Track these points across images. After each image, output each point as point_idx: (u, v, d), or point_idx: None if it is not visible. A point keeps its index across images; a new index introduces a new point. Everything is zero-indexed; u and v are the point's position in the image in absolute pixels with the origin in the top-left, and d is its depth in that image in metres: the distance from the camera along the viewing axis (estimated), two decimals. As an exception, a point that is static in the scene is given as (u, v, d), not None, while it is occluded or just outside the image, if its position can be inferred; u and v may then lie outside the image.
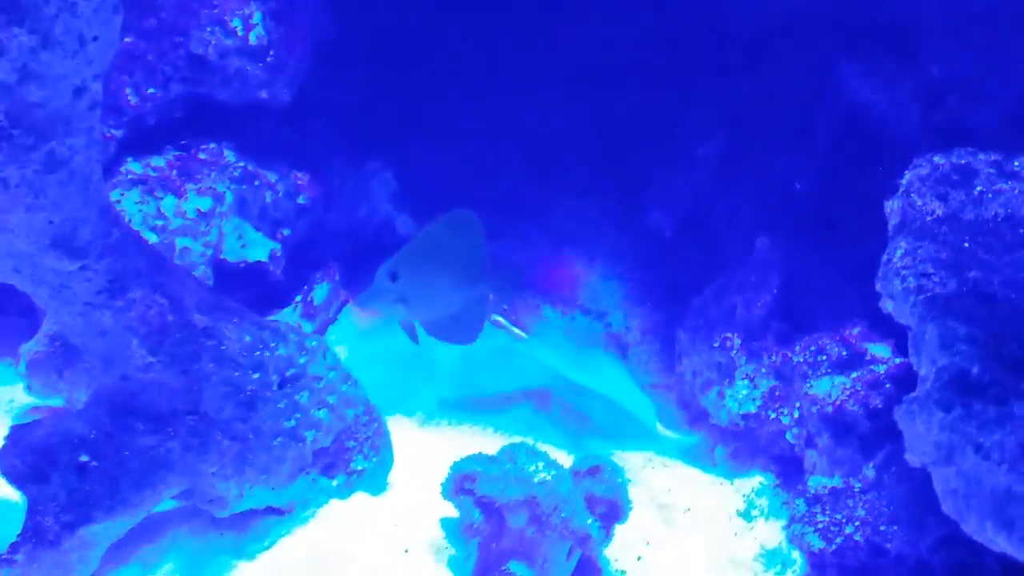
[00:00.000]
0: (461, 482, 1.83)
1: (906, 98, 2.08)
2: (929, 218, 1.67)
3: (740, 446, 2.28)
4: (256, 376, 1.93)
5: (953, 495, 1.37)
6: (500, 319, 2.37)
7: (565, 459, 2.00)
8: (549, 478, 1.84)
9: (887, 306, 1.71)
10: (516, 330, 2.35)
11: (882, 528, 1.73)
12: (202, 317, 1.89)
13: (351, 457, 2.08)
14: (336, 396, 2.04)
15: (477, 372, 2.58)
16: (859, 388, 1.91)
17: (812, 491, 1.87)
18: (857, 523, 1.76)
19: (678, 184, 2.54)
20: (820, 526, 1.80)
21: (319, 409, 2.01)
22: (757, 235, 2.36)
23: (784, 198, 2.40)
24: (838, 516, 1.79)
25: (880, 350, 2.05)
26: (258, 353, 1.94)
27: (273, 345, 1.96)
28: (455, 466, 1.88)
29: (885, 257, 1.75)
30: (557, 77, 2.78)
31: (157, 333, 1.84)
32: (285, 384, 1.97)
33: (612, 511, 1.83)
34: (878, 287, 1.76)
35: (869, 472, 1.82)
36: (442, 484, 1.93)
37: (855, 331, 2.08)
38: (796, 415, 2.06)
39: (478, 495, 1.78)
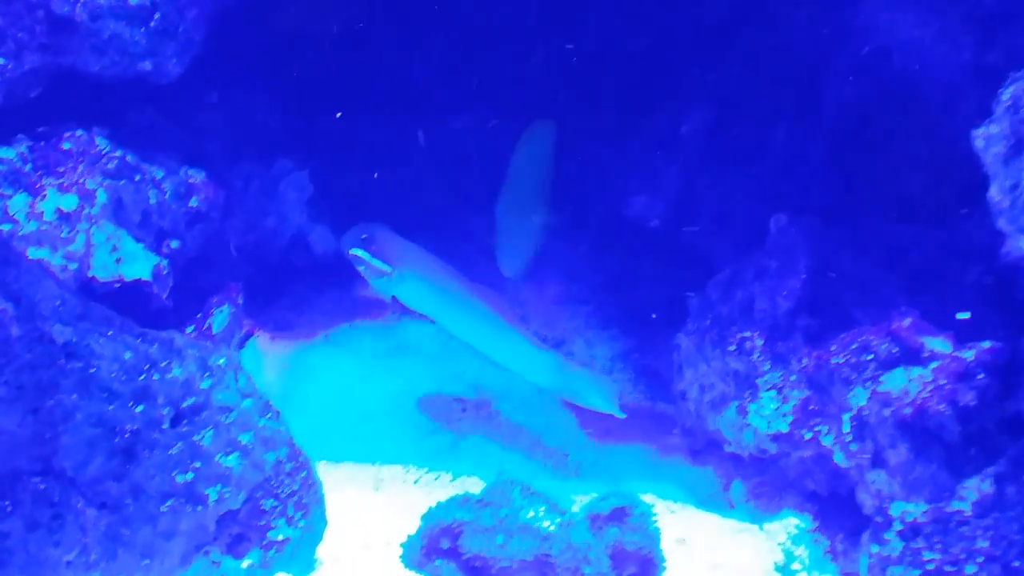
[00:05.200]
0: (437, 539, 1.33)
1: (956, 29, 1.72)
2: (1053, 137, 1.29)
3: (763, 481, 1.83)
4: (139, 410, 1.40)
5: None
6: (359, 253, 1.93)
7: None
8: (553, 527, 1.35)
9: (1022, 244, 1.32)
10: (378, 263, 1.88)
11: (1015, 564, 1.30)
12: (63, 328, 1.36)
13: (270, 523, 1.55)
14: (251, 435, 1.52)
15: (425, 411, 2.09)
16: (943, 381, 1.48)
17: (905, 520, 1.42)
18: (980, 559, 1.32)
19: (663, 166, 2.12)
20: (930, 568, 1.35)
21: (228, 454, 1.49)
22: (759, 219, 1.95)
23: (787, 174, 2.01)
24: (954, 551, 1.34)
25: (939, 345, 1.64)
26: (143, 376, 1.41)
27: (164, 364, 1.43)
28: (430, 515, 1.38)
29: (1008, 183, 1.35)
30: (507, 64, 2.36)
31: (-4, 354, 1.30)
32: (180, 420, 1.45)
33: (645, 571, 1.35)
34: (1000, 223, 1.37)
35: (983, 487, 1.38)
36: (405, 544, 1.43)
37: (905, 323, 1.67)
38: (847, 429, 1.62)
39: (466, 556, 1.27)
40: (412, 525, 1.68)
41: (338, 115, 2.25)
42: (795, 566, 1.67)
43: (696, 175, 2.12)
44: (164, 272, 1.97)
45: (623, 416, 1.90)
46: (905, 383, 1.52)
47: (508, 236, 2.19)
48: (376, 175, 2.45)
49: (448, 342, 2.24)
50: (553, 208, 2.24)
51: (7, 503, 1.29)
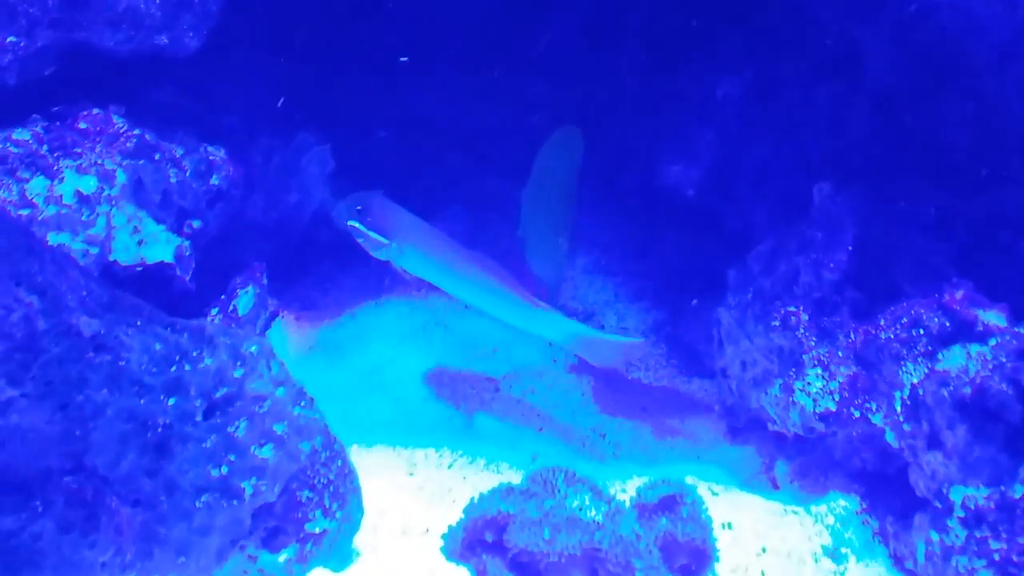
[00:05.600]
0: (481, 531, 1.29)
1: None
2: None
3: (807, 460, 1.77)
4: (172, 403, 1.36)
5: None
6: (356, 224, 1.88)
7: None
8: (600, 517, 1.30)
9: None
10: (374, 235, 1.86)
11: (1088, 551, 1.25)
12: (90, 320, 1.31)
13: (307, 515, 1.49)
14: (286, 424, 1.46)
15: (456, 390, 2.04)
16: (1004, 359, 1.42)
17: (968, 506, 1.37)
18: (1050, 548, 1.28)
19: (699, 133, 2.05)
20: (997, 557, 1.30)
21: (262, 445, 1.43)
22: (799, 187, 1.88)
23: (827, 139, 1.94)
24: (1022, 540, 1.29)
25: (993, 318, 1.58)
26: (174, 368, 1.36)
27: (196, 354, 1.38)
28: (472, 506, 1.33)
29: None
30: (533, 27, 2.28)
31: (22, 350, 1.25)
32: (213, 411, 1.40)
33: (697, 563, 1.30)
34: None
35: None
36: (446, 536, 1.38)
37: (957, 295, 1.61)
38: (899, 407, 1.57)
39: (513, 550, 1.22)
40: (449, 511, 1.65)
41: (403, 59, 2.17)
42: (844, 549, 1.62)
43: (733, 141, 2.04)
44: (186, 254, 1.91)
45: (640, 340, 1.86)
46: (964, 361, 1.47)
47: (537, 247, 2.09)
48: (397, 145, 2.39)
49: (477, 318, 2.19)
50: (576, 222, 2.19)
51: (38, 503, 1.25)
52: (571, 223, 2.11)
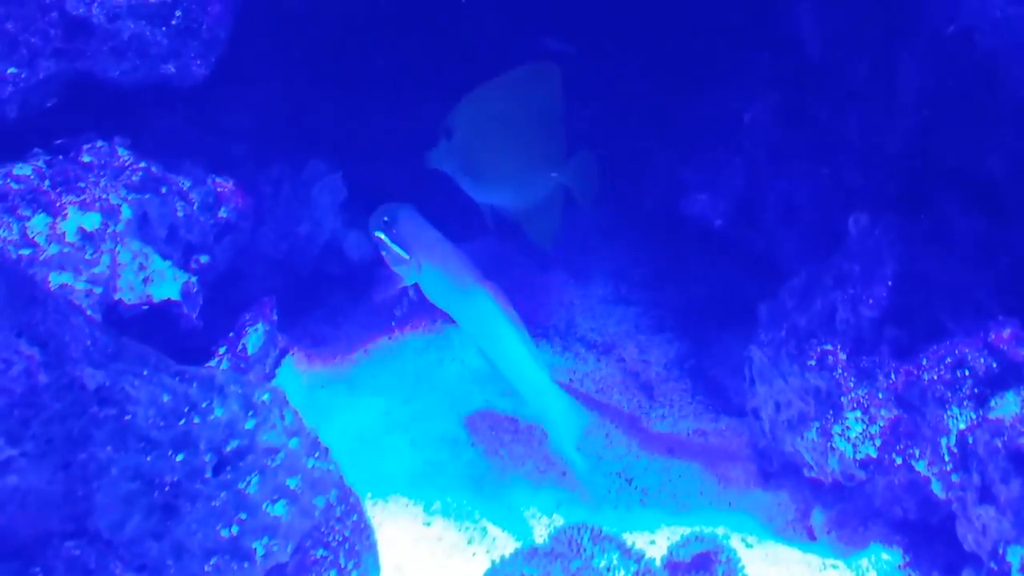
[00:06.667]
0: (508, 601, 1.20)
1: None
2: None
3: (845, 509, 1.68)
4: (180, 459, 1.28)
5: None
6: (382, 236, 1.79)
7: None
8: (632, 580, 1.22)
9: None
10: (397, 249, 1.77)
11: None
12: (95, 372, 1.24)
13: (320, 574, 1.42)
14: (300, 477, 1.39)
15: (474, 433, 1.95)
16: (1062, 408, 1.35)
17: (1029, 568, 1.29)
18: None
19: (726, 160, 1.97)
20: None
21: (275, 502, 1.36)
22: (829, 215, 1.81)
23: (862, 166, 1.86)
24: (1091, 607, 1.22)
25: (1044, 358, 1.50)
26: (183, 421, 1.29)
27: (205, 405, 1.30)
28: (493, 571, 1.25)
29: None
30: (546, 47, 2.21)
31: (22, 406, 1.18)
32: (224, 466, 1.32)
33: (736, 627, 1.22)
34: None
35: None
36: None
37: (1005, 334, 1.53)
38: (946, 456, 1.49)
39: (543, 622, 1.14)
40: (468, 565, 1.59)
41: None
42: (888, 607, 1.54)
43: (760, 168, 1.96)
44: (194, 290, 1.85)
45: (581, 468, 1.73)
46: (1019, 409, 1.38)
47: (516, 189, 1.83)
48: (411, 172, 2.32)
49: (494, 354, 2.10)
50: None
51: (37, 570, 1.17)
52: (564, 154, 1.79)
